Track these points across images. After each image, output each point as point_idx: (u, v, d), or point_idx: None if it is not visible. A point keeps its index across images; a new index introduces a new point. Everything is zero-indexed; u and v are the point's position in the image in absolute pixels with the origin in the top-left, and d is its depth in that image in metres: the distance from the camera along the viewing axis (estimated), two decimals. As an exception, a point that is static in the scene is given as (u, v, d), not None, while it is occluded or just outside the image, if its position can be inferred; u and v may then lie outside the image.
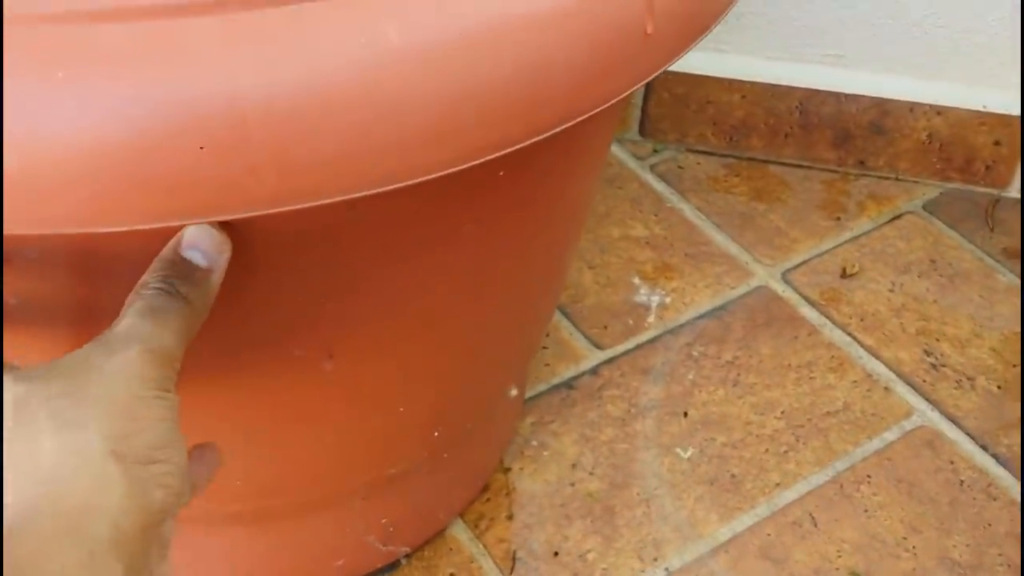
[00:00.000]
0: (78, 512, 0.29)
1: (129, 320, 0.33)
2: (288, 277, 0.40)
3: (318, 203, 0.31)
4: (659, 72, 0.38)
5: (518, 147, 0.34)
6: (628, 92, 0.37)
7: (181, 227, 0.33)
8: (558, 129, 0.35)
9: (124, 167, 0.29)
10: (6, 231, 0.30)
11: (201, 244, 0.34)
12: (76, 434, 0.30)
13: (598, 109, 0.36)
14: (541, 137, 0.35)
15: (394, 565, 0.61)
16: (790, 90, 0.86)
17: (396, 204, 0.39)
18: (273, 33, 0.31)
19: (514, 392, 0.58)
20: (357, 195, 0.31)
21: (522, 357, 0.58)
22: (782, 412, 0.71)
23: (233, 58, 0.30)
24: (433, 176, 0.32)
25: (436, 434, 0.52)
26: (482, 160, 0.34)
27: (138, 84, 0.29)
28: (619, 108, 0.48)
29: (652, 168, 0.90)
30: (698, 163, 0.90)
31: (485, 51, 0.32)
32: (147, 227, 0.30)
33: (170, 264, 0.34)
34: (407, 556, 0.62)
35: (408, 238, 0.41)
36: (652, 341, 0.75)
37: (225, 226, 0.34)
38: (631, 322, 0.77)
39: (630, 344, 0.75)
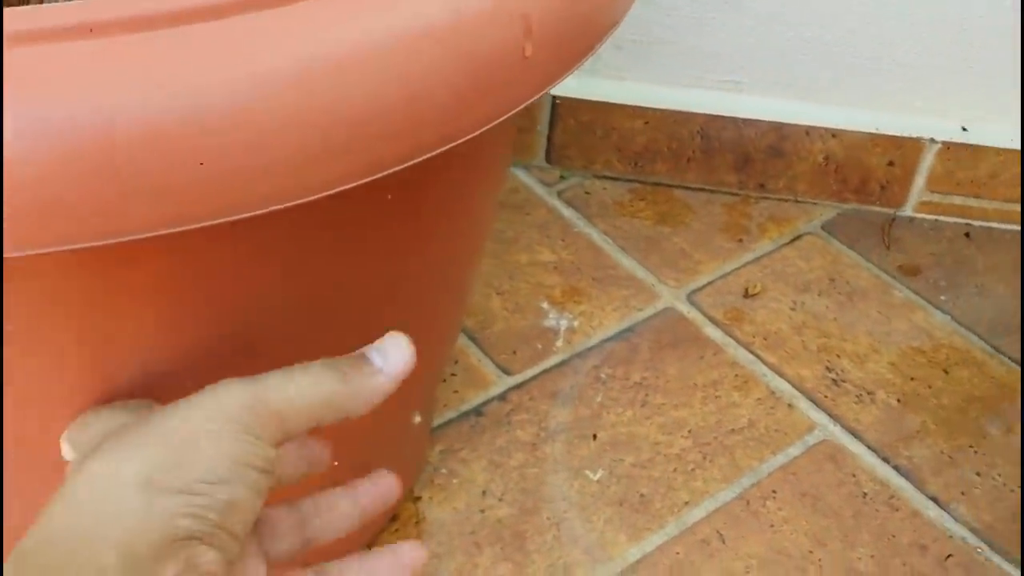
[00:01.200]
0: (86, 538, 0.30)
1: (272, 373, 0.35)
2: (184, 295, 0.40)
3: (192, 227, 0.31)
4: (540, 95, 0.38)
5: (396, 169, 0.34)
6: (509, 114, 0.37)
7: (56, 252, 0.32)
8: (437, 151, 0.36)
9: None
10: None
11: (391, 352, 0.37)
12: (116, 462, 0.32)
13: (478, 132, 0.36)
14: (419, 159, 0.35)
15: (301, 598, 0.60)
16: (691, 116, 0.88)
17: (282, 225, 0.39)
18: (149, 57, 0.30)
19: (418, 419, 0.58)
20: (231, 218, 0.31)
21: (424, 382, 0.57)
22: (689, 431, 0.72)
23: (108, 82, 0.30)
24: (306, 199, 0.32)
25: (335, 464, 0.52)
26: (358, 182, 0.34)
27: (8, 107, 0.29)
28: (508, 131, 0.49)
29: (559, 194, 0.91)
30: (604, 188, 0.92)
31: (358, 74, 0.32)
32: (16, 254, 0.30)
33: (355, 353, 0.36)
34: (315, 589, 0.61)
35: (299, 258, 0.41)
36: (560, 365, 0.76)
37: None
38: (540, 346, 0.77)
39: (538, 368, 0.76)
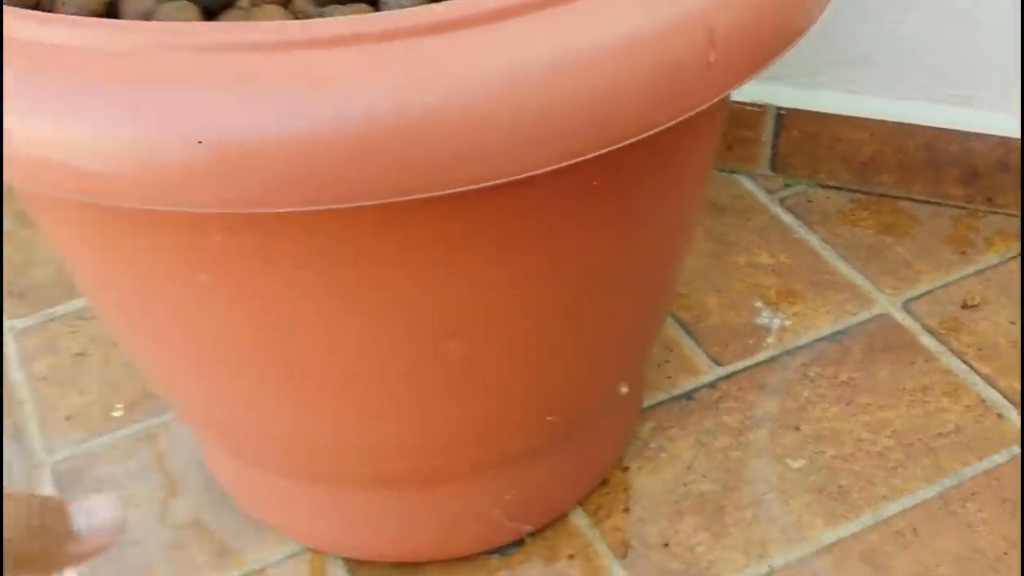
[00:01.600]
0: None
1: None
2: (420, 269, 0.48)
3: (432, 195, 0.39)
4: (722, 95, 0.44)
5: (596, 154, 0.41)
6: (694, 111, 0.43)
7: (329, 211, 0.41)
8: (634, 139, 0.42)
9: (277, 163, 0.38)
10: (220, 209, 0.39)
11: (97, 514, 0.31)
12: None
13: (665, 126, 0.43)
14: (616, 147, 0.42)
15: (519, 542, 0.68)
16: (918, 128, 0.90)
17: (509, 202, 0.47)
18: (397, 61, 0.39)
19: (624, 390, 0.64)
20: (462, 189, 0.39)
21: (630, 356, 0.64)
22: (893, 431, 0.75)
23: (367, 80, 0.39)
24: (523, 176, 0.39)
25: (549, 419, 0.59)
26: (567, 163, 0.41)
27: (296, 100, 0.38)
28: (704, 130, 0.55)
29: (782, 201, 0.95)
30: (827, 197, 0.95)
31: (568, 76, 0.39)
32: (296, 209, 0.39)
33: (53, 504, 0.30)
34: (531, 535, 0.69)
35: (518, 237, 0.49)
36: (770, 360, 0.80)
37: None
38: (751, 342, 0.82)
39: (749, 362, 0.80)
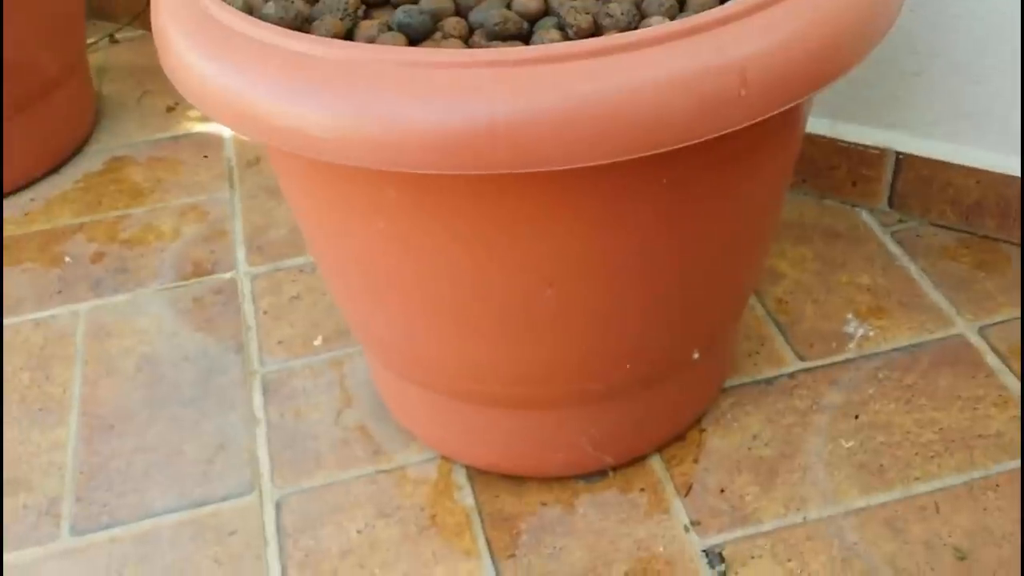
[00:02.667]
0: None
1: None
2: (536, 228, 0.67)
3: (537, 169, 0.58)
4: (752, 122, 0.61)
5: (650, 153, 0.59)
6: (728, 130, 0.60)
7: (479, 178, 0.60)
8: (679, 145, 0.60)
9: (447, 141, 0.58)
10: (405, 169, 0.60)
11: None
12: None
13: (705, 138, 0.60)
14: (669, 148, 0.59)
15: (602, 473, 0.86)
16: (1018, 179, 1.01)
17: (603, 185, 0.65)
18: (521, 79, 0.58)
19: (696, 356, 0.80)
20: (576, 165, 0.58)
21: (701, 327, 0.80)
22: (940, 428, 0.87)
23: (494, 91, 0.58)
24: (600, 163, 0.58)
25: (627, 367, 0.76)
26: (638, 155, 0.59)
27: (455, 101, 0.58)
28: (758, 150, 0.70)
29: (893, 234, 1.08)
30: (935, 235, 1.07)
31: (639, 95, 0.57)
32: (430, 173, 0.59)
33: None
34: (612, 469, 0.86)
35: (606, 215, 0.67)
36: (847, 362, 0.94)
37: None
38: (834, 345, 0.96)
39: (828, 361, 0.94)
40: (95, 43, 1.54)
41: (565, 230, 0.67)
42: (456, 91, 0.59)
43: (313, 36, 0.64)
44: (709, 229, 0.72)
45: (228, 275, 1.11)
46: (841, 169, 1.11)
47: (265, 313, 1.06)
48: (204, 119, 1.37)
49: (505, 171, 0.60)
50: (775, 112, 0.62)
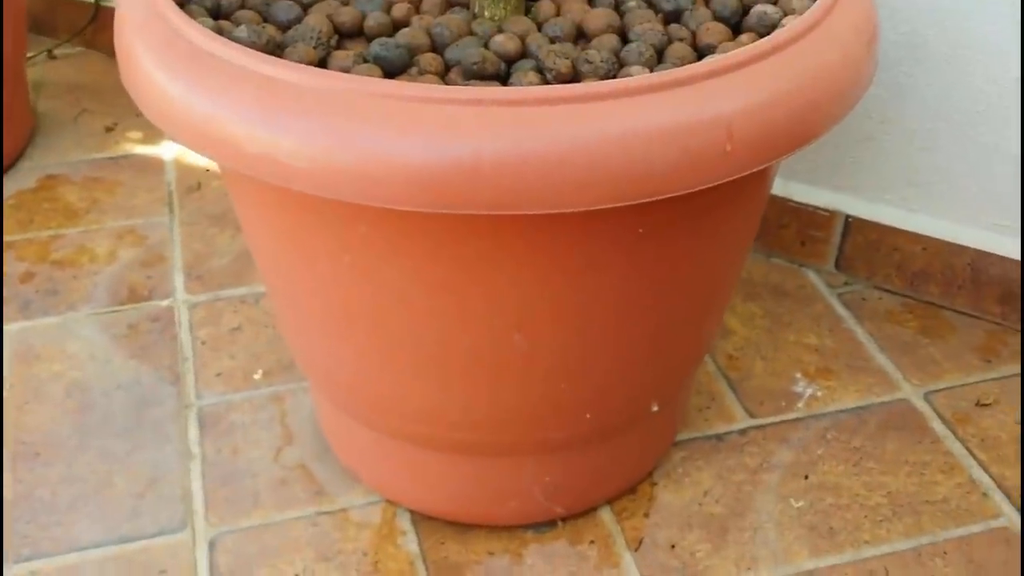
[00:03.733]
0: None
1: None
2: (504, 271, 0.66)
3: (519, 212, 0.56)
4: (735, 176, 0.61)
5: (634, 203, 0.58)
6: (710, 184, 0.60)
7: (447, 217, 0.59)
8: (661, 197, 0.59)
9: (407, 177, 0.56)
10: (366, 202, 0.58)
11: None
12: None
13: (688, 191, 0.59)
14: (650, 199, 0.58)
15: (551, 524, 0.84)
16: (964, 248, 1.03)
17: (574, 233, 0.64)
18: (507, 119, 0.57)
19: (655, 408, 0.80)
20: (559, 210, 0.56)
21: (660, 381, 0.79)
22: (888, 492, 0.88)
23: (479, 130, 0.57)
24: (584, 209, 0.57)
25: (588, 416, 0.75)
26: (617, 204, 0.58)
27: (427, 137, 0.56)
28: (733, 206, 0.70)
29: (839, 296, 1.09)
30: (880, 298, 1.08)
31: (623, 145, 0.56)
32: (406, 209, 0.57)
33: None
34: (563, 520, 0.84)
35: (578, 262, 0.66)
36: (796, 420, 0.94)
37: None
38: (783, 403, 0.96)
39: (777, 419, 0.94)
40: (33, 57, 1.50)
41: (537, 275, 0.66)
42: (440, 127, 0.57)
43: (289, 62, 0.62)
44: (680, 279, 0.71)
45: (165, 302, 1.07)
46: (791, 228, 1.12)
47: (203, 344, 1.02)
48: (144, 141, 1.33)
49: (486, 212, 0.58)
50: (758, 168, 0.62)
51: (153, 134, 1.34)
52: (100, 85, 1.45)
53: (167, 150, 1.31)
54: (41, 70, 1.49)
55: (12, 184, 1.25)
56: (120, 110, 1.39)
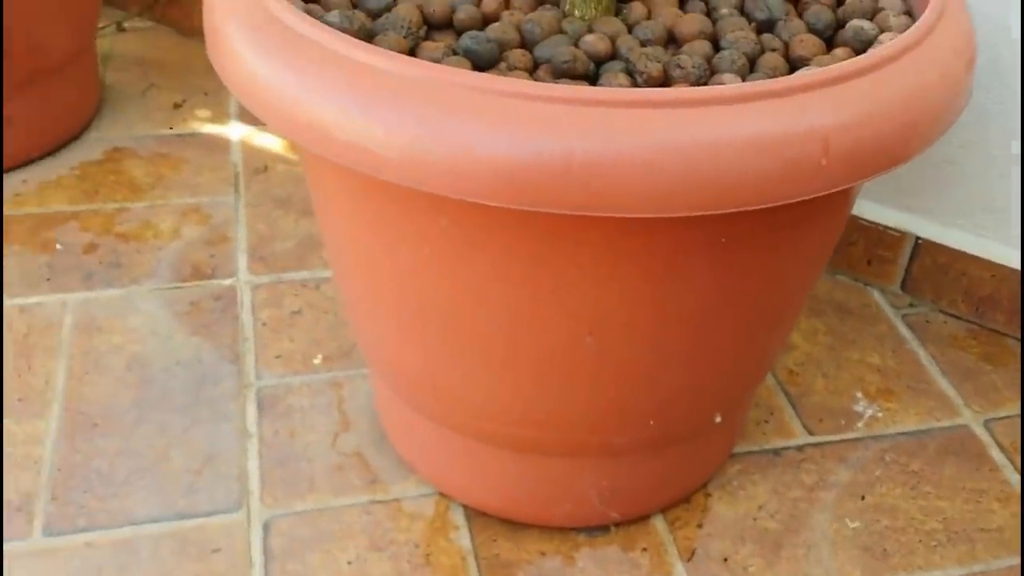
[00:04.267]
0: None
1: None
2: (582, 274, 0.65)
3: (608, 214, 0.56)
4: (829, 191, 0.60)
5: (729, 211, 0.57)
6: (803, 198, 0.59)
7: (531, 215, 0.58)
8: (756, 207, 0.58)
9: (499, 175, 0.56)
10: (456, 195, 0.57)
11: None
12: None
13: (776, 203, 0.58)
14: (739, 209, 0.58)
15: (604, 528, 0.84)
16: (1035, 278, 1.02)
17: (658, 240, 0.63)
18: (600, 119, 0.56)
19: (718, 419, 0.79)
20: (648, 215, 0.56)
21: (726, 392, 0.78)
22: (944, 518, 0.87)
23: (571, 129, 0.56)
24: (672, 215, 0.56)
25: (651, 423, 0.75)
26: (704, 213, 0.57)
27: (514, 132, 0.56)
28: (816, 223, 0.69)
29: (904, 317, 1.07)
30: (944, 322, 1.07)
31: (718, 152, 0.56)
32: (493, 205, 0.57)
33: None
34: (616, 525, 0.84)
35: (656, 269, 0.65)
36: (855, 440, 0.93)
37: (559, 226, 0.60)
38: (843, 422, 0.95)
39: (837, 437, 0.93)
40: (102, 29, 1.51)
41: (615, 278, 0.66)
42: (532, 124, 0.57)
43: (382, 49, 0.62)
44: (756, 291, 0.70)
45: (228, 282, 1.08)
46: (858, 246, 1.10)
47: (264, 325, 1.02)
48: (211, 120, 1.34)
49: (572, 212, 0.58)
50: (850, 184, 0.61)
51: (221, 113, 1.35)
52: (169, 61, 1.46)
53: (234, 130, 1.32)
54: (110, 42, 1.50)
55: (78, 154, 1.26)
56: (188, 87, 1.40)
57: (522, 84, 0.58)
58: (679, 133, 0.57)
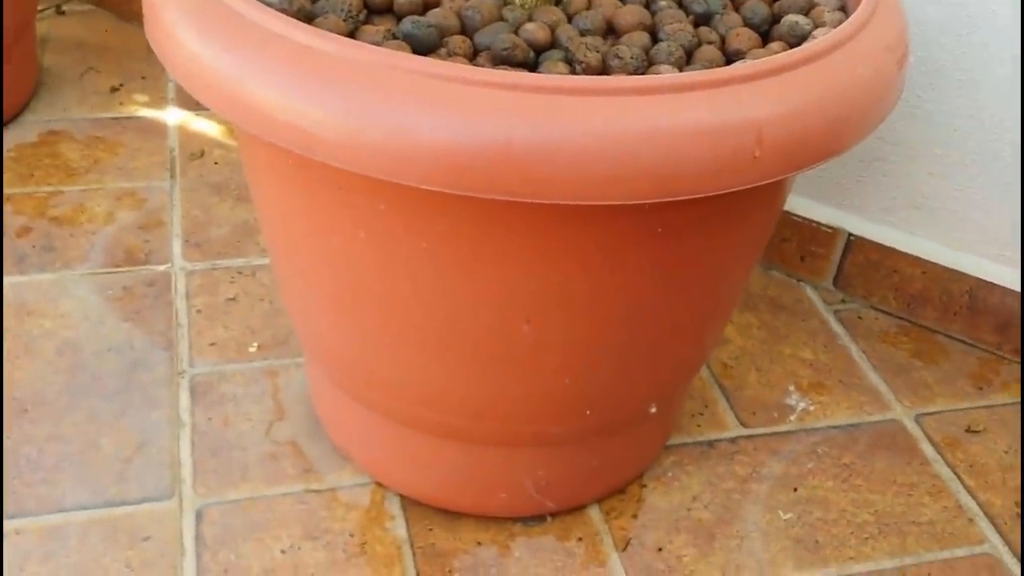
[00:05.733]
0: None
1: None
2: (518, 261, 0.65)
3: (547, 201, 0.56)
4: (760, 183, 0.60)
5: (659, 200, 0.58)
6: (735, 188, 0.60)
7: (466, 200, 0.58)
8: (686, 197, 0.59)
9: (435, 156, 0.55)
10: (382, 176, 0.57)
11: None
12: None
13: (711, 193, 0.59)
14: (673, 199, 0.58)
15: (540, 518, 0.84)
16: (964, 275, 1.04)
17: (592, 229, 0.63)
18: (541, 106, 0.56)
19: (653, 410, 0.79)
20: (587, 203, 0.56)
21: (662, 383, 0.79)
22: (875, 511, 0.88)
23: (511, 115, 0.56)
24: (609, 203, 0.56)
25: (588, 412, 0.75)
26: (636, 202, 0.57)
27: (444, 115, 0.56)
28: (749, 215, 0.70)
29: (835, 313, 1.09)
30: (875, 319, 1.09)
31: (651, 141, 0.56)
32: (431, 189, 0.57)
33: None
34: (551, 515, 0.84)
35: (592, 259, 0.65)
36: (787, 433, 0.94)
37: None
38: (776, 415, 0.96)
39: (769, 430, 0.95)
40: (42, 11, 1.48)
41: (552, 266, 0.66)
42: (472, 109, 0.57)
43: (323, 31, 0.62)
44: (691, 282, 0.71)
45: (162, 267, 1.06)
46: (792, 242, 1.12)
47: (199, 312, 1.01)
48: (148, 104, 1.32)
49: (511, 198, 0.58)
50: (783, 176, 0.62)
51: (158, 98, 1.33)
52: (107, 44, 1.44)
53: (172, 115, 1.30)
54: (49, 25, 1.47)
55: (13, 136, 1.24)
56: (126, 71, 1.38)
57: (462, 69, 0.58)
58: (616, 121, 0.57)
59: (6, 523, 0.80)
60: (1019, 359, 1.04)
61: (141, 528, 0.80)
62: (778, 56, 0.63)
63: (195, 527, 0.81)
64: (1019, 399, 1.00)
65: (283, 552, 0.80)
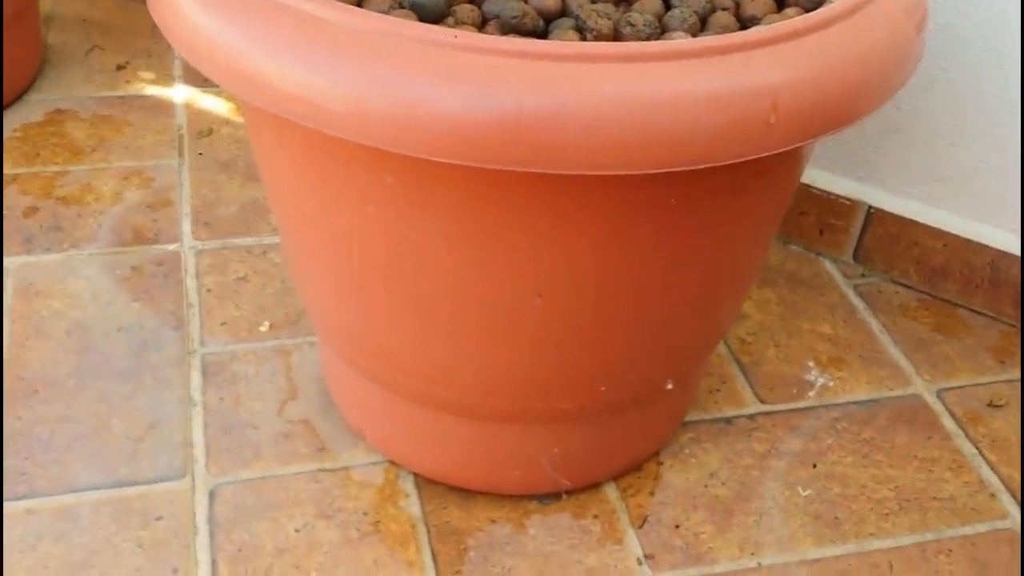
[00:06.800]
0: None
1: None
2: (531, 235, 0.64)
3: (557, 172, 0.55)
4: (777, 150, 0.59)
5: (672, 170, 0.56)
6: (749, 157, 0.58)
7: (478, 173, 0.57)
8: (700, 166, 0.57)
9: (441, 128, 0.54)
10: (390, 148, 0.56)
11: None
12: None
13: (725, 162, 0.57)
14: (687, 168, 0.57)
15: (555, 496, 0.83)
16: (985, 248, 1.02)
17: (604, 200, 0.62)
18: (551, 74, 0.55)
19: (670, 386, 0.78)
20: (598, 172, 0.55)
21: (679, 357, 0.78)
22: (896, 486, 0.87)
23: (521, 83, 0.55)
24: (621, 172, 0.55)
25: (602, 388, 0.74)
26: (648, 171, 0.56)
27: (462, 87, 0.54)
28: (765, 186, 0.69)
29: (855, 287, 1.07)
30: (896, 292, 1.07)
31: (665, 107, 0.55)
32: (440, 160, 0.55)
33: None
34: (567, 493, 0.83)
35: (605, 230, 0.64)
36: (806, 409, 0.93)
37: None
38: (795, 391, 0.95)
39: (788, 406, 0.93)
40: (47, -11, 1.47)
41: (563, 239, 0.64)
42: (480, 78, 0.55)
43: (330, 0, 0.60)
44: (706, 255, 0.70)
45: (171, 247, 1.05)
46: (810, 216, 1.10)
47: (209, 291, 1.00)
48: (155, 82, 1.31)
49: (521, 168, 0.56)
50: (799, 144, 0.60)
51: (165, 76, 1.32)
52: (112, 22, 1.43)
53: (178, 93, 1.29)
54: (53, 3, 1.46)
55: (19, 116, 1.23)
56: (132, 49, 1.37)
57: (470, 37, 0.57)
58: (628, 88, 0.55)
59: (19, 503, 0.79)
60: (1042, 332, 1.03)
61: (153, 508, 0.80)
62: (794, 20, 0.61)
63: (208, 507, 0.80)
64: (1042, 372, 0.99)
65: (297, 531, 0.79)
